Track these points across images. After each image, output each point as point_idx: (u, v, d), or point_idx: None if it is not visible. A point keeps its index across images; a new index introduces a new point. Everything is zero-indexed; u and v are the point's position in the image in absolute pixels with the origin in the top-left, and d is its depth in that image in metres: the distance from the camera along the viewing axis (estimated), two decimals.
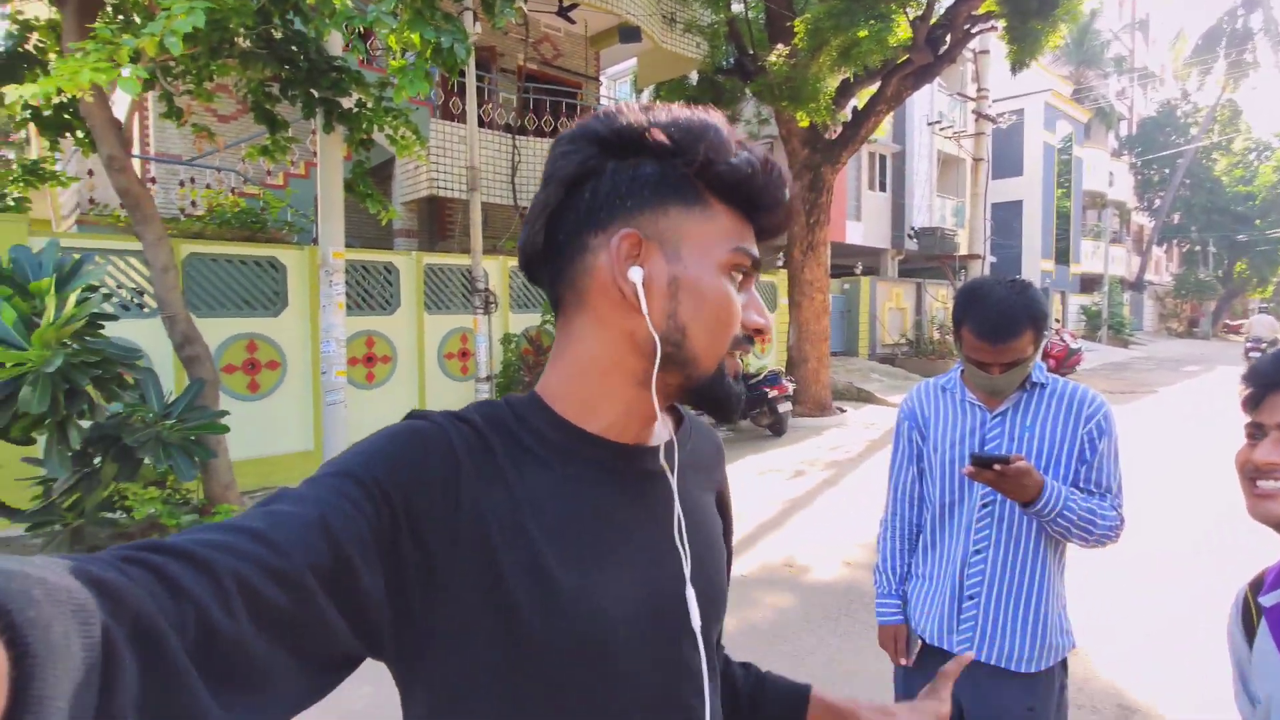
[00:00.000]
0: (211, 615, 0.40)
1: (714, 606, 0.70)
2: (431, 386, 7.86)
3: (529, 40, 10.73)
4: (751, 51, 10.24)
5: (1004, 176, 23.00)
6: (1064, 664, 1.64)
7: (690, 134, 0.61)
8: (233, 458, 5.45)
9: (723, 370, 0.64)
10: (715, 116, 0.63)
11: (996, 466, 1.40)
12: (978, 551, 1.63)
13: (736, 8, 10.79)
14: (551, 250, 0.64)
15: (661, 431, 0.71)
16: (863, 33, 7.70)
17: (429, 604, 0.55)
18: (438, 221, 11.33)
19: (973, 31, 9.40)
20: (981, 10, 9.19)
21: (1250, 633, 1.03)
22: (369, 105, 5.48)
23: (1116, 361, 19.85)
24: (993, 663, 1.59)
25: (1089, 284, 27.60)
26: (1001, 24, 9.29)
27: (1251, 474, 0.93)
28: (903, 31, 8.38)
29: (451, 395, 8.05)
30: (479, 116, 9.76)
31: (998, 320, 1.50)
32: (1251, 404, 0.97)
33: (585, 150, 0.62)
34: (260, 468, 6.35)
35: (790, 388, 8.85)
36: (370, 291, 7.50)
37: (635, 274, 0.60)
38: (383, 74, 5.53)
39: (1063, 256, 25.19)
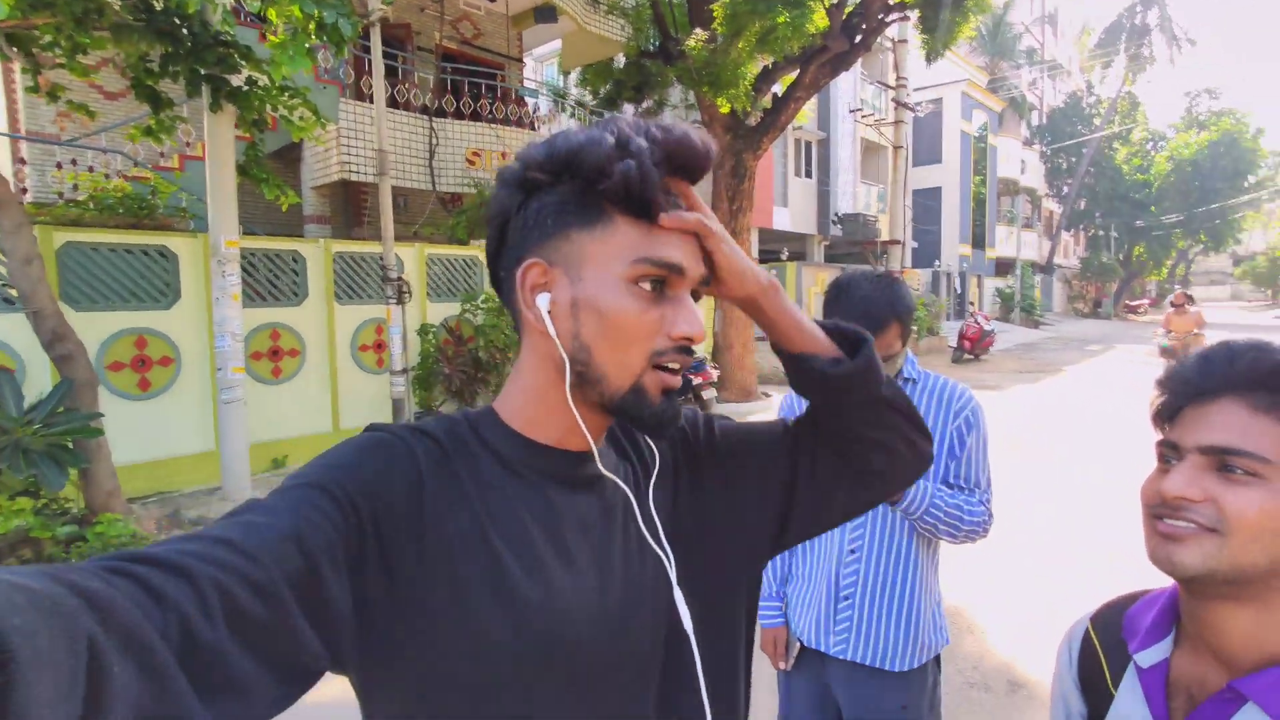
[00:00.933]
0: (193, 623, 0.41)
1: (696, 599, 0.69)
2: (344, 380, 7.53)
3: (445, 18, 10.33)
4: (674, 34, 10.15)
5: (924, 164, 23.74)
6: (937, 660, 1.64)
7: (576, 155, 0.61)
8: (123, 461, 5.09)
9: (641, 388, 0.63)
10: (614, 126, 0.63)
11: None
12: (852, 552, 1.60)
13: None
14: (498, 285, 0.69)
15: (606, 442, 0.74)
16: (781, 19, 7.71)
17: (395, 614, 0.57)
18: (352, 207, 10.86)
19: (887, 20, 9.55)
20: (895, 0, 9.34)
21: (1094, 686, 0.84)
22: (261, 83, 5.14)
23: (1028, 342, 20.86)
24: (868, 663, 1.57)
25: (1003, 267, 28.90)
26: (915, 14, 9.49)
27: (1158, 509, 0.73)
28: (820, 19, 8.44)
29: (366, 389, 7.74)
30: (392, 97, 9.36)
31: (863, 314, 1.47)
32: (1165, 417, 0.78)
33: (503, 191, 0.66)
34: (153, 471, 5.95)
35: (715, 374, 8.91)
36: (276, 282, 7.10)
37: (543, 300, 0.63)
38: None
39: (979, 241, 26.26)
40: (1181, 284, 44.36)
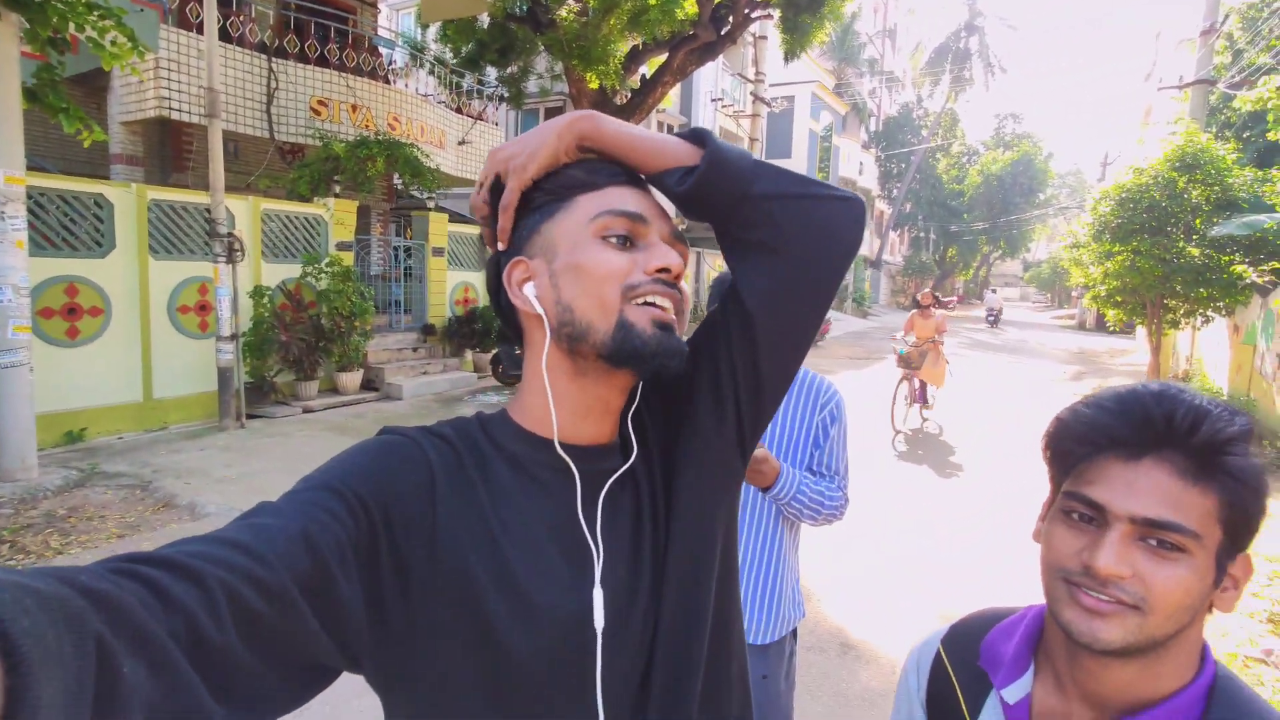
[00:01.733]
0: (201, 625, 0.41)
1: (685, 615, 0.67)
2: (159, 343, 6.72)
3: None
4: (544, 2, 9.87)
5: (775, 157, 24.97)
6: (794, 633, 1.76)
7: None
8: None
9: (626, 323, 0.63)
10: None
11: None
12: None
13: None
14: (502, 312, 0.73)
15: (616, 435, 0.72)
16: (653, 1, 7.74)
17: (408, 614, 0.57)
18: (171, 150, 9.59)
19: (752, 16, 9.90)
20: None
21: (943, 709, 0.81)
22: None
23: (858, 330, 22.75)
24: None
25: None
26: (777, 13, 9.90)
27: (1078, 578, 0.65)
28: (690, 6, 8.57)
29: (186, 354, 6.95)
30: (225, 29, 8.35)
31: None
32: (1066, 467, 0.70)
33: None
34: None
35: None
36: (74, 230, 6.15)
37: (529, 288, 0.66)
38: None
39: None
40: (983, 285, 50.35)
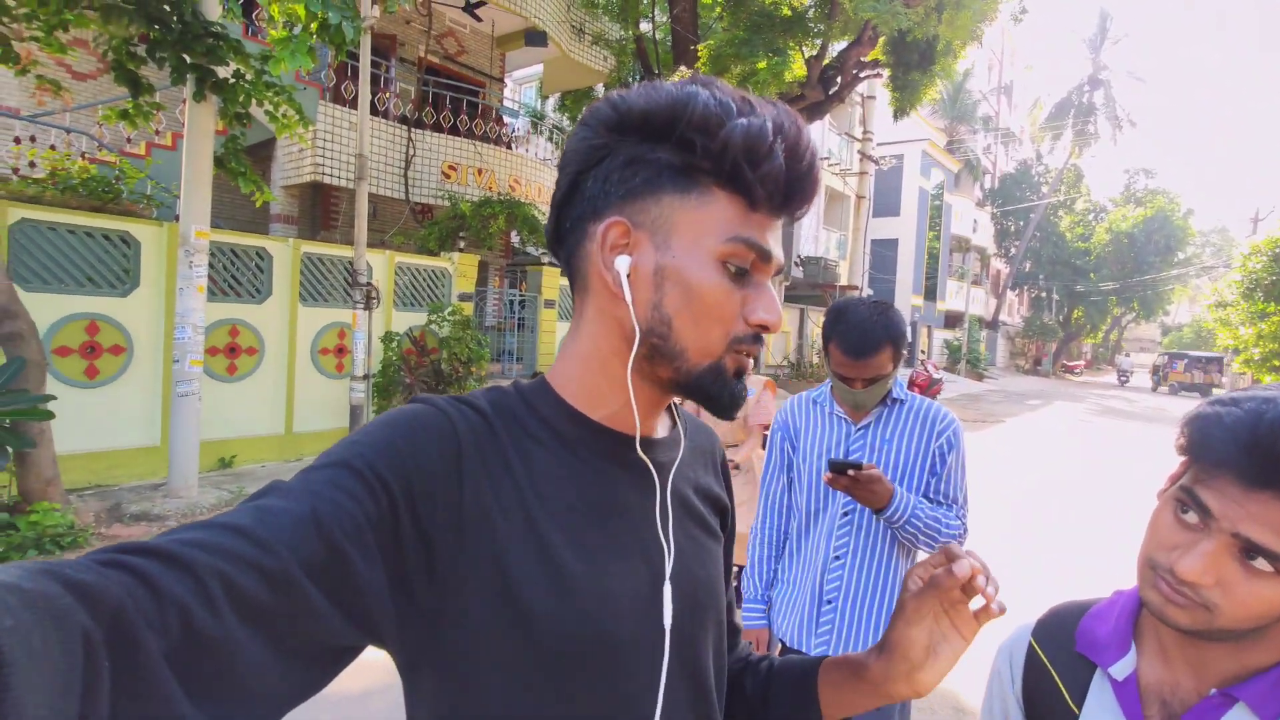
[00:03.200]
0: (195, 616, 0.39)
1: (705, 607, 0.68)
2: (302, 382, 7.37)
3: (431, 32, 10.41)
4: (657, 71, 10.43)
5: (883, 215, 24.65)
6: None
7: (676, 113, 0.57)
8: (61, 450, 4.86)
9: (720, 367, 0.61)
10: (717, 89, 0.58)
11: (850, 473, 1.46)
12: (837, 558, 1.68)
13: (645, 26, 10.97)
14: (560, 237, 0.64)
15: (663, 425, 0.71)
16: (761, 64, 8.03)
17: (435, 591, 0.55)
18: (321, 210, 10.72)
19: (860, 76, 10.02)
20: (869, 58, 9.82)
21: (1044, 702, 0.82)
22: (248, 77, 5.11)
23: (972, 393, 21.61)
24: None
25: (952, 320, 29.99)
26: (886, 72, 9.97)
27: (1163, 568, 0.69)
28: (798, 68, 8.81)
29: (323, 392, 7.58)
30: (373, 104, 9.35)
31: (860, 338, 1.57)
32: (1194, 459, 0.70)
33: (590, 136, 0.60)
34: (94, 463, 5.70)
35: None
36: (239, 278, 6.95)
37: (622, 263, 0.59)
38: (266, 45, 5.17)
39: (931, 294, 27.25)
40: (1114, 349, 46.65)
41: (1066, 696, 0.80)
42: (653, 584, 0.62)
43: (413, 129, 9.81)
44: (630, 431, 0.64)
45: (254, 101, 5.29)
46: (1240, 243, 25.37)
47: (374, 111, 9.42)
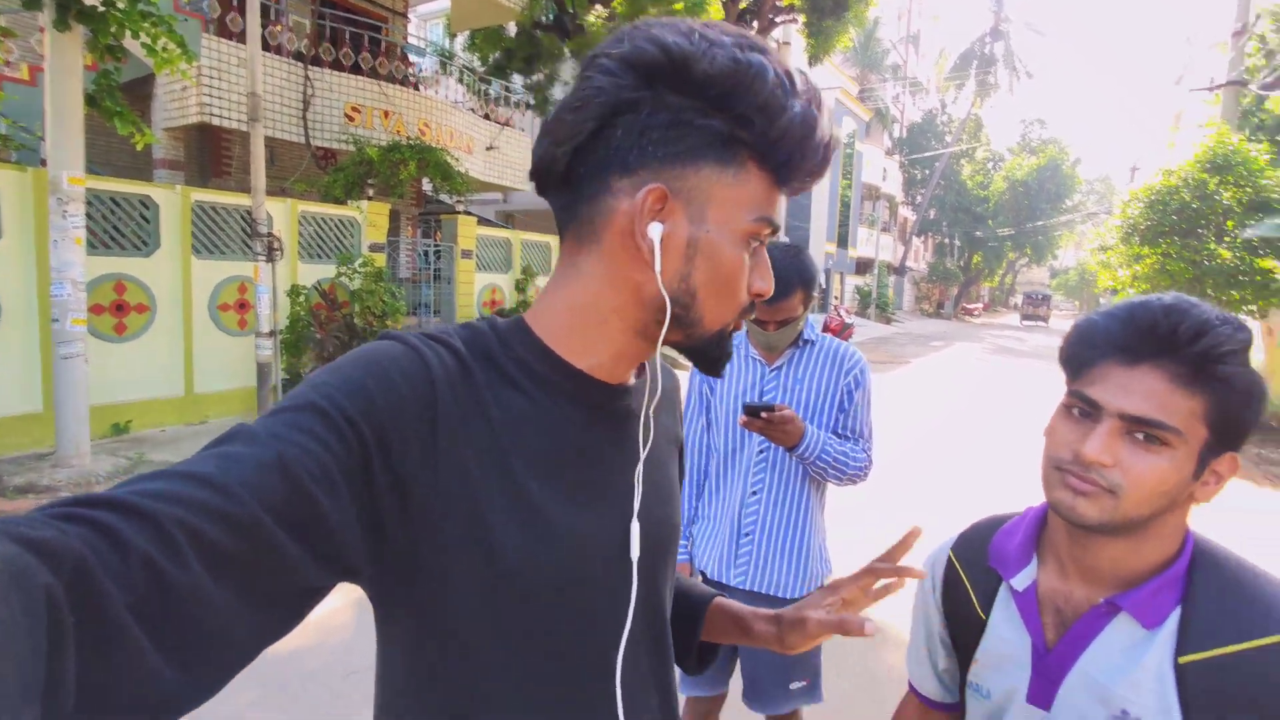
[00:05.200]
0: (160, 567, 0.38)
1: (666, 544, 0.71)
2: (201, 340, 6.95)
3: None
4: (571, 10, 10.08)
5: None
6: (822, 588, 1.85)
7: (741, 84, 0.54)
8: None
9: (725, 333, 0.63)
10: (773, 58, 0.56)
11: (764, 415, 1.54)
12: (754, 493, 1.77)
13: None
14: (570, 179, 0.60)
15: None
16: (678, 5, 7.89)
17: (409, 532, 0.54)
18: (211, 155, 9.92)
19: (776, 20, 10.01)
20: (785, 2, 9.80)
21: (960, 610, 0.91)
22: (119, 5, 4.62)
23: (881, 336, 22.65)
24: (765, 591, 1.75)
25: (863, 267, 31.08)
26: (802, 19, 9.99)
27: (1066, 463, 0.74)
28: (715, 10, 8.70)
29: (226, 351, 7.17)
30: (262, 39, 8.64)
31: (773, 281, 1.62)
32: (1075, 370, 0.78)
33: (627, 80, 0.56)
34: None
35: None
36: (121, 229, 6.41)
37: (655, 230, 0.57)
38: None
39: (843, 241, 28.07)
40: (1009, 292, 49.71)
41: (976, 606, 0.88)
42: (622, 525, 0.64)
43: (310, 67, 9.15)
44: (611, 380, 0.65)
45: (128, 33, 4.80)
46: (1120, 191, 27.28)
47: (265, 47, 8.71)
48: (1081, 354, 0.77)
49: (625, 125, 0.57)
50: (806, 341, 1.80)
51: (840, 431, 1.78)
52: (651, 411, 0.70)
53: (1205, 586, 0.73)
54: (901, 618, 3.47)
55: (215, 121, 8.43)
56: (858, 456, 1.74)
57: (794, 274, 1.65)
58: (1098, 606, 0.77)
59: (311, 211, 8.16)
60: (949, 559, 0.94)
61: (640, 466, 0.66)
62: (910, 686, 1.02)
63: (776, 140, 0.57)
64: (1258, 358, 10.93)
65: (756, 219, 0.59)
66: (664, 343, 0.63)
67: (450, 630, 0.58)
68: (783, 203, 0.64)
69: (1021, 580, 0.83)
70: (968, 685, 0.89)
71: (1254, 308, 9.10)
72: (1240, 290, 8.73)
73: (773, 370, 1.80)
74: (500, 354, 0.61)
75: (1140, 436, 0.71)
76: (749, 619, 0.83)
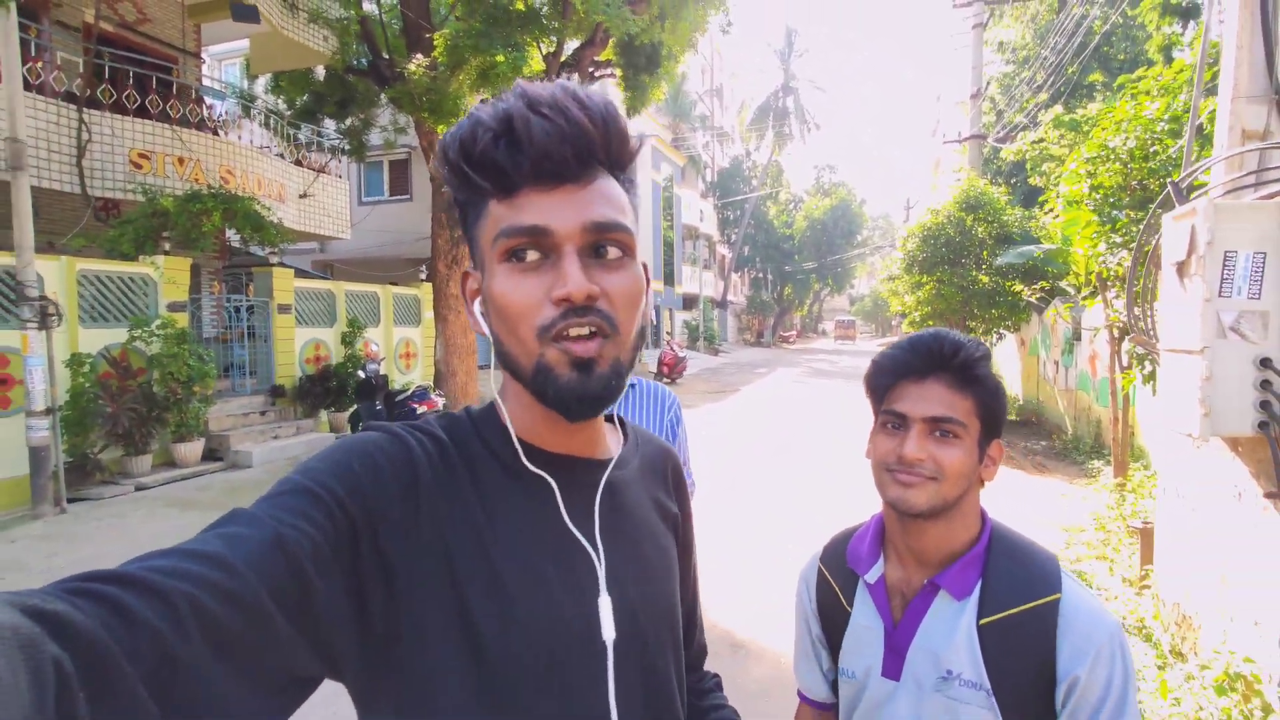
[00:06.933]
0: (167, 642, 0.38)
1: (660, 624, 0.68)
2: None
3: None
4: (387, 56, 9.87)
5: None
6: None
7: (450, 149, 0.59)
8: None
9: (544, 365, 0.58)
10: (488, 107, 0.58)
11: None
12: None
13: (369, 6, 10.29)
14: None
15: (612, 446, 0.73)
16: (500, 58, 8.02)
17: (393, 615, 0.55)
18: None
19: (595, 75, 10.49)
20: (602, 58, 10.31)
21: (830, 610, 1.05)
22: None
23: (711, 367, 23.91)
24: None
25: (689, 302, 32.76)
26: (618, 73, 10.55)
27: (893, 466, 0.92)
28: (536, 64, 8.95)
29: None
30: (23, 77, 7.58)
31: None
32: (880, 394, 0.97)
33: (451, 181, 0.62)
34: None
35: (440, 402, 8.73)
36: None
37: (477, 305, 0.64)
38: None
39: (670, 279, 29.46)
40: (817, 319, 54.68)
41: (842, 600, 1.04)
42: (594, 601, 0.62)
43: (85, 109, 8.15)
44: (576, 453, 0.67)
45: None
46: (899, 227, 31.23)
47: (26, 85, 7.65)
48: (883, 380, 0.97)
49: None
50: (630, 386, 1.95)
51: None
52: (617, 481, 0.69)
53: (997, 561, 0.93)
54: (761, 634, 3.66)
55: None
56: (690, 479, 1.91)
57: None
58: (925, 587, 0.94)
59: (94, 270, 7.22)
60: (819, 568, 1.10)
61: (598, 538, 0.65)
62: (801, 696, 1.13)
63: (478, 165, 0.58)
64: (1013, 364, 12.94)
65: (497, 238, 0.59)
66: (538, 398, 0.61)
67: (440, 715, 0.57)
68: (561, 200, 0.59)
69: (873, 574, 1.00)
70: (840, 674, 1.03)
71: (1010, 322, 10.80)
72: (998, 309, 10.33)
73: None
74: (474, 439, 0.64)
75: (938, 434, 0.91)
76: None
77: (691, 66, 33.07)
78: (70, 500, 6.31)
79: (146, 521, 5.85)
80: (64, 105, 8.05)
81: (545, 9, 9.39)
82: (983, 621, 0.89)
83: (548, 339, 0.58)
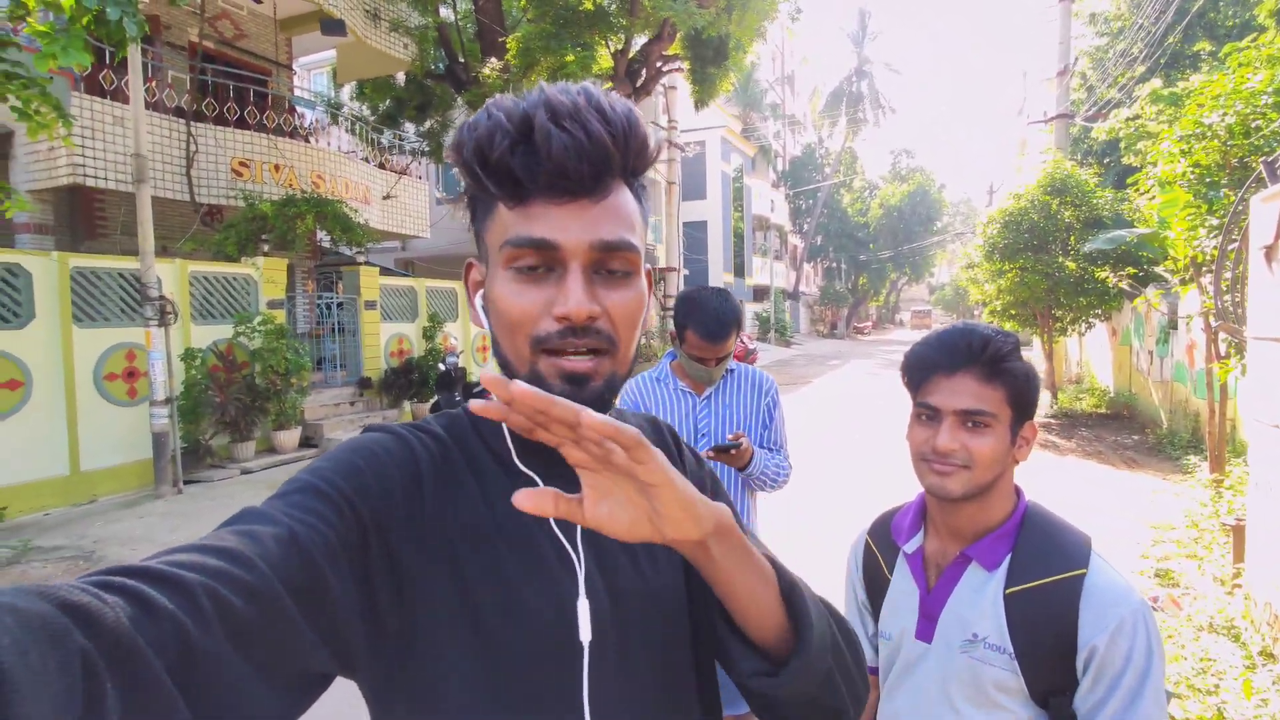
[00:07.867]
0: (190, 634, 0.39)
1: (644, 616, 0.65)
2: (87, 414, 6.50)
3: (204, 14, 9.40)
4: (463, 60, 10.26)
5: (692, 199, 26.00)
6: None
7: (463, 145, 0.58)
8: None
9: (537, 376, 0.59)
10: (502, 103, 0.58)
11: (733, 450, 1.79)
12: None
13: (445, 13, 10.71)
14: None
15: None
16: (570, 57, 8.23)
17: (403, 611, 0.57)
18: (83, 217, 9.34)
19: (663, 70, 10.57)
20: (670, 52, 10.38)
21: (874, 578, 1.15)
22: None
23: (783, 359, 23.65)
24: None
25: (759, 294, 32.44)
26: (686, 66, 10.60)
27: (929, 456, 0.98)
28: (605, 62, 9.12)
29: (115, 424, 6.73)
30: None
31: (716, 324, 1.84)
32: (915, 387, 1.02)
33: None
34: None
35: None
36: None
37: (478, 299, 0.65)
38: (4, 28, 4.47)
39: (740, 270, 29.26)
40: (894, 309, 53.13)
41: (884, 568, 1.14)
42: (573, 604, 0.61)
43: (192, 122, 8.85)
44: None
45: None
46: (981, 212, 29.95)
47: (145, 105, 8.37)
48: (916, 375, 1.04)
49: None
50: (728, 371, 2.03)
51: (765, 445, 2.01)
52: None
53: (1028, 536, 1.00)
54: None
55: (89, 183, 7.99)
56: (783, 466, 1.98)
57: (730, 315, 1.88)
58: (958, 559, 1.02)
59: (202, 271, 7.85)
60: (866, 540, 1.21)
61: (578, 541, 0.64)
62: None
63: (470, 168, 0.58)
64: (1103, 355, 12.27)
65: (503, 246, 0.59)
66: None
67: (452, 709, 0.58)
68: (572, 215, 0.58)
69: (912, 545, 1.09)
70: (879, 635, 1.13)
71: (1099, 311, 10.26)
72: (1086, 297, 9.83)
73: (703, 400, 2.00)
74: (472, 436, 0.66)
75: (970, 425, 0.97)
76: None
77: (761, 55, 32.60)
78: (186, 482, 6.93)
79: (253, 502, 6.35)
80: (174, 120, 8.77)
81: (613, 7, 9.53)
82: (1009, 590, 0.97)
83: (541, 351, 0.59)
